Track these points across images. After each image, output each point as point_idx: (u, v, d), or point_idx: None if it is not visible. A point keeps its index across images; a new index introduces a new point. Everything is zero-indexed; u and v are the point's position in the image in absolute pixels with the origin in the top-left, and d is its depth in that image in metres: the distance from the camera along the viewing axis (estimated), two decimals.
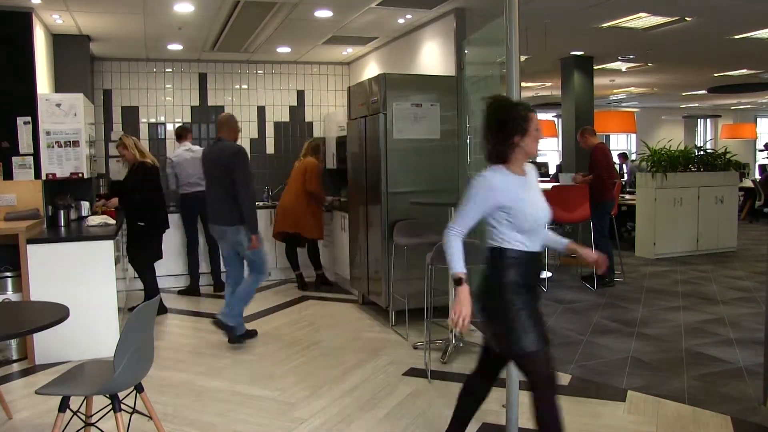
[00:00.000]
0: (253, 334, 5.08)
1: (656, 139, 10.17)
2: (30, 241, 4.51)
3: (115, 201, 5.83)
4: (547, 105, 14.48)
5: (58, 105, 5.30)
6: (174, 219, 6.78)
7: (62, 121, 5.31)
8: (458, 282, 2.51)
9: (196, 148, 6.86)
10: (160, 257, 5.91)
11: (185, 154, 6.78)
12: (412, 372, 4.24)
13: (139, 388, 2.92)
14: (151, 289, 5.68)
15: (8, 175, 5.15)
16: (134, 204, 5.64)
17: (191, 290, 6.84)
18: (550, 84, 11.01)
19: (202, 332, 5.40)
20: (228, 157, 4.72)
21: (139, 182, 5.61)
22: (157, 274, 5.82)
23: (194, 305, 6.38)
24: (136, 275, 5.88)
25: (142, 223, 5.68)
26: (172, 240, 6.86)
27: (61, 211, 5.29)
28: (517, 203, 2.48)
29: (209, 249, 6.88)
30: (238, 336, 4.94)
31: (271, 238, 6.95)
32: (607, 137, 16.00)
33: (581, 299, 6.18)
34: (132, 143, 5.70)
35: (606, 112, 10.81)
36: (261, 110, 8.25)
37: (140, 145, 5.78)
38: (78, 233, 4.91)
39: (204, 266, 6.97)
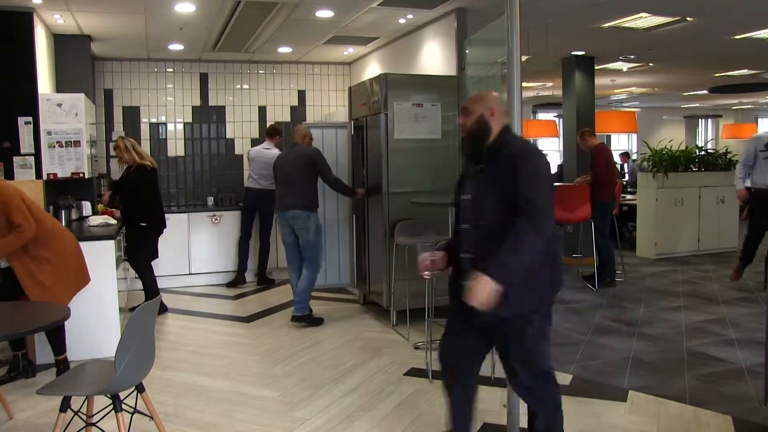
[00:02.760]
0: (319, 321, 5.52)
1: (657, 139, 10.17)
2: None
3: (107, 196, 5.83)
4: (548, 105, 14.48)
5: (59, 105, 5.31)
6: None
7: (63, 121, 5.32)
8: None
9: (275, 150, 6.97)
10: (157, 256, 5.93)
11: (263, 151, 7.06)
12: (413, 372, 4.24)
13: (140, 388, 2.92)
14: (151, 289, 5.69)
15: (9, 175, 5.15)
16: (135, 205, 5.65)
17: (237, 280, 7.18)
18: (551, 84, 11.01)
19: (203, 332, 5.40)
20: (311, 155, 5.45)
21: (138, 184, 5.61)
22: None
23: (194, 305, 6.38)
24: (137, 275, 5.89)
25: (144, 224, 5.69)
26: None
27: (62, 211, 5.30)
28: None
29: (260, 245, 7.19)
30: (307, 316, 5.47)
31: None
32: (608, 137, 15.98)
33: (582, 299, 6.18)
34: (128, 145, 5.65)
35: (607, 112, 10.79)
36: (262, 110, 8.26)
37: (138, 147, 5.75)
38: (79, 233, 4.91)
39: (252, 261, 7.24)
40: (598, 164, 6.64)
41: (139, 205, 5.65)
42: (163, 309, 5.98)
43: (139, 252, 5.78)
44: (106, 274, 4.66)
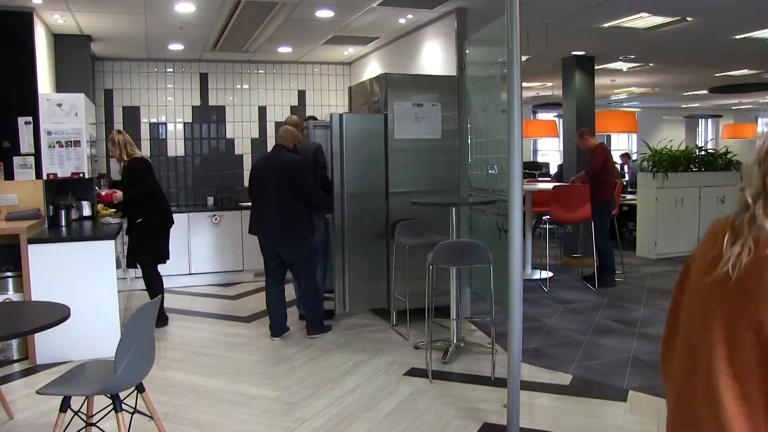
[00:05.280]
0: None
1: (657, 139, 10.16)
2: (31, 241, 4.51)
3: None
4: (548, 105, 14.48)
5: (59, 105, 5.31)
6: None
7: (63, 121, 5.32)
8: None
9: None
10: (166, 259, 5.64)
11: None
12: (413, 372, 4.24)
13: (140, 388, 2.92)
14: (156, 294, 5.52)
15: (9, 175, 5.15)
16: (137, 198, 5.35)
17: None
18: (551, 84, 11.00)
19: (203, 332, 5.40)
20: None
21: (132, 176, 5.38)
22: None
23: (194, 305, 6.38)
24: (140, 275, 5.73)
25: (140, 220, 5.40)
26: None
27: (62, 211, 5.29)
28: None
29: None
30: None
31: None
32: (608, 137, 15.99)
33: (582, 299, 6.18)
34: (121, 141, 5.38)
35: (607, 112, 10.79)
36: (262, 110, 8.25)
37: (130, 148, 5.44)
38: (79, 233, 4.92)
39: None
40: (593, 163, 6.65)
41: (143, 197, 5.34)
42: (163, 321, 5.58)
43: (142, 251, 5.45)
44: (105, 274, 4.66)
